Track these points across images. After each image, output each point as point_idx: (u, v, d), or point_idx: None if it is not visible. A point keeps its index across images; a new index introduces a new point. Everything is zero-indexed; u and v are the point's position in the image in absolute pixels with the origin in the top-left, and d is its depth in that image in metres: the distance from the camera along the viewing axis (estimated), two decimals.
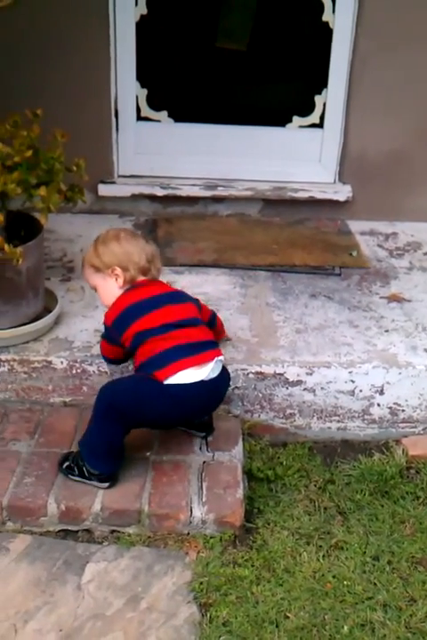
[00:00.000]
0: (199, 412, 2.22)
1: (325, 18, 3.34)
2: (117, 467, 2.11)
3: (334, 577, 1.95)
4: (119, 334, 2.17)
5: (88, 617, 1.82)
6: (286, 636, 1.77)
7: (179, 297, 2.27)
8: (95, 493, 2.08)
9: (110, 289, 2.23)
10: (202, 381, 2.05)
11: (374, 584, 1.93)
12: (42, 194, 2.36)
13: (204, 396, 2.10)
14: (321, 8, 3.33)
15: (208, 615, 1.83)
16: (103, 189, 3.44)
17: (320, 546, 2.06)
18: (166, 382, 2.01)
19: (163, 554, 2.01)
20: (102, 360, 2.38)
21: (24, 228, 2.46)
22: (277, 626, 1.80)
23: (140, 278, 2.24)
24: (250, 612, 1.84)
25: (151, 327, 2.11)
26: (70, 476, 2.11)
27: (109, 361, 2.35)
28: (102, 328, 2.32)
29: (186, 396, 2.03)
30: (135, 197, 3.47)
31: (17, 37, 3.07)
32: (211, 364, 2.08)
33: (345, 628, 1.80)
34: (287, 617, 1.83)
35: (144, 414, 2.05)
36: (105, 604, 1.86)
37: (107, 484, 2.08)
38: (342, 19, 3.32)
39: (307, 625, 1.80)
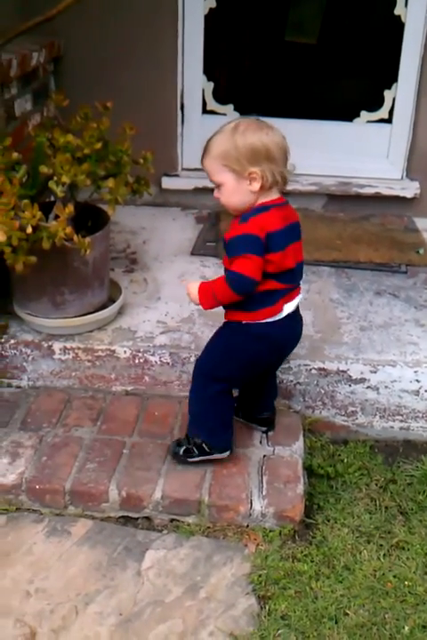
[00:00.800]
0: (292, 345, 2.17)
1: (397, 11, 3.30)
2: (232, 433, 2.17)
3: (394, 576, 1.92)
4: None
5: (148, 603, 1.84)
6: (346, 633, 1.75)
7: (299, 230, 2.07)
8: (156, 481, 2.10)
9: (242, 191, 1.91)
10: (291, 314, 2.04)
11: None
12: (110, 186, 2.40)
13: (295, 329, 2.13)
14: (393, 1, 3.29)
15: (267, 608, 1.82)
16: (167, 182, 3.47)
17: (381, 545, 2.03)
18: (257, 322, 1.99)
19: (222, 545, 2.01)
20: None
21: (91, 219, 2.49)
22: (336, 622, 1.78)
23: (276, 194, 1.96)
24: (309, 606, 1.82)
25: (287, 268, 1.96)
26: (190, 459, 2.14)
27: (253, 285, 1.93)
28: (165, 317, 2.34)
29: (278, 333, 2.02)
30: (198, 190, 3.48)
31: (88, 32, 3.12)
32: (298, 297, 2.07)
33: (406, 628, 1.77)
34: (347, 614, 1.81)
35: (242, 367, 2.07)
36: (164, 591, 1.87)
37: (228, 452, 2.14)
38: (414, 12, 3.28)
39: (367, 623, 1.78)
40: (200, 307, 2.01)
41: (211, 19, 3.28)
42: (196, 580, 1.90)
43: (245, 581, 1.90)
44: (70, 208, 2.12)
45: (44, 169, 2.23)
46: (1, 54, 2.33)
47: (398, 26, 3.29)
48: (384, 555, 2.00)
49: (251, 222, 1.89)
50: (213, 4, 3.26)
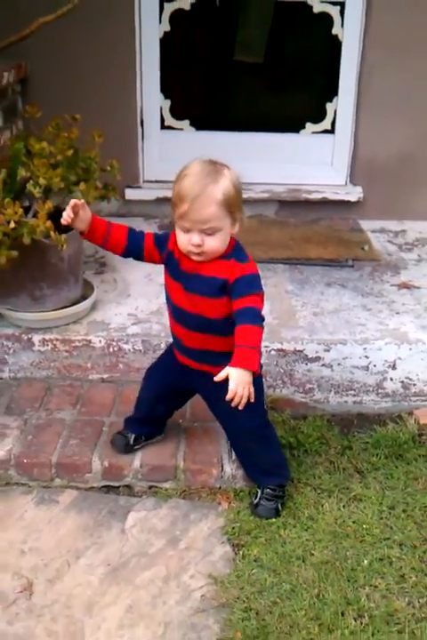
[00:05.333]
0: None
1: (334, 31, 3.60)
2: None
3: (353, 522, 2.15)
4: None
5: (132, 554, 2.03)
6: (313, 569, 1.97)
7: None
8: (135, 452, 2.29)
9: (228, 235, 1.93)
10: None
11: (391, 528, 2.13)
12: (81, 189, 2.61)
13: None
14: (331, 22, 3.59)
15: (241, 553, 2.04)
16: (130, 194, 3.68)
17: (340, 498, 2.26)
18: None
19: (197, 504, 2.22)
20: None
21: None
22: (303, 561, 2.00)
23: None
24: (278, 550, 2.04)
25: None
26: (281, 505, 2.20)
27: None
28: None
29: None
30: (160, 201, 3.70)
31: (56, 52, 3.33)
32: None
33: (365, 561, 2.00)
34: (312, 554, 2.03)
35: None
36: (147, 545, 2.07)
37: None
38: (350, 32, 3.58)
39: (330, 559, 2.00)
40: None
41: (165, 41, 3.53)
42: (175, 534, 2.09)
43: (220, 533, 2.11)
44: (49, 204, 2.34)
45: (22, 172, 2.44)
46: None
47: (336, 44, 3.59)
48: (343, 506, 2.22)
49: (251, 261, 1.96)
50: (168, 28, 3.52)
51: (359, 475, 2.38)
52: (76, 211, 1.96)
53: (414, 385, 2.70)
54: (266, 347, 2.63)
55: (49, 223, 2.30)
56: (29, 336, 2.64)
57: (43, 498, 2.23)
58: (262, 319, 1.94)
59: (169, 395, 2.25)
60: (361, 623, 1.80)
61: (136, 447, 2.29)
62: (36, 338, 2.64)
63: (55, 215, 2.59)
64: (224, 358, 1.88)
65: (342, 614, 1.82)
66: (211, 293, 1.94)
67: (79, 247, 2.69)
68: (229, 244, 1.94)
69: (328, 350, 2.65)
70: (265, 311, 2.81)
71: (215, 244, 1.90)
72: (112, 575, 1.96)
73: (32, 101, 2.92)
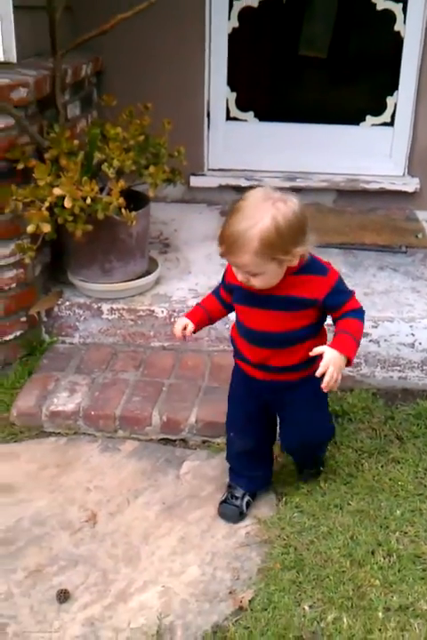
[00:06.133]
0: None
1: (396, 28, 3.74)
2: None
3: (390, 479, 2.31)
4: None
5: (186, 496, 2.25)
6: (349, 515, 2.15)
7: None
8: (191, 409, 2.52)
9: (283, 270, 1.85)
10: None
11: (425, 485, 2.28)
12: (151, 172, 2.85)
13: None
14: (394, 19, 3.73)
15: (283, 500, 2.23)
16: (194, 181, 3.91)
17: (379, 459, 2.42)
18: None
19: None
20: None
21: (133, 203, 2.94)
22: (340, 508, 2.18)
23: None
24: (318, 499, 2.22)
25: None
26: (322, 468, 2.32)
27: None
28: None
29: None
30: (222, 188, 3.93)
31: (133, 48, 3.60)
32: None
33: (398, 512, 2.16)
34: (349, 504, 2.20)
35: None
36: (199, 489, 2.28)
37: None
38: (412, 29, 3.71)
39: (366, 509, 2.18)
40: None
41: (233, 37, 3.75)
42: (225, 481, 2.30)
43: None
44: (122, 183, 2.58)
45: (98, 155, 2.69)
46: (62, 63, 2.79)
47: (398, 40, 3.73)
48: (382, 466, 2.39)
49: (330, 266, 1.94)
50: (236, 24, 3.74)
51: (399, 441, 2.53)
52: (185, 333, 2.12)
53: None
54: None
55: (121, 200, 2.55)
56: (99, 305, 2.90)
57: (107, 446, 2.48)
58: (364, 313, 1.97)
59: (254, 419, 2.14)
60: (389, 561, 1.97)
61: (248, 511, 2.19)
62: (105, 307, 2.89)
63: (126, 195, 2.86)
64: (303, 365, 1.96)
65: (373, 553, 2.00)
66: (294, 309, 1.90)
67: (146, 225, 2.94)
68: (299, 261, 1.85)
69: (376, 327, 2.80)
70: None
71: (262, 283, 1.84)
72: (167, 512, 2.19)
73: (106, 92, 3.18)
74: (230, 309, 2.12)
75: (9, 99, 2.48)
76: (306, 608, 1.85)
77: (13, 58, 2.22)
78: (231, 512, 2.17)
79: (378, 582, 1.91)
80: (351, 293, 1.98)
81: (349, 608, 1.84)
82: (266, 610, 1.85)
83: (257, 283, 1.83)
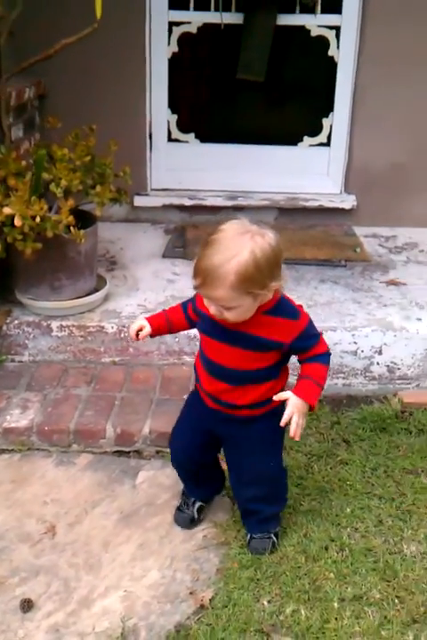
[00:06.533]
0: None
1: (330, 53, 3.90)
2: None
3: (339, 480, 2.41)
4: None
5: (142, 504, 2.30)
6: (301, 515, 2.23)
7: None
8: (144, 421, 2.56)
9: (257, 304, 1.80)
10: None
11: (372, 484, 2.39)
12: (98, 191, 2.91)
13: None
14: (328, 45, 3.90)
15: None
16: (138, 200, 3.98)
17: (328, 462, 2.51)
18: None
19: None
20: None
21: (81, 221, 2.98)
22: (293, 509, 2.26)
23: None
24: None
25: None
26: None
27: None
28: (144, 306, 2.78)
29: None
30: (166, 207, 4.01)
31: (76, 71, 3.64)
32: None
33: (348, 509, 2.26)
34: (301, 504, 2.29)
35: None
36: (155, 497, 2.33)
37: None
38: (345, 53, 3.88)
39: (317, 508, 2.26)
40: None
41: (173, 61, 3.85)
42: (180, 489, 2.34)
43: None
44: (71, 202, 2.62)
45: (45, 175, 2.73)
46: (6, 87, 2.82)
47: (332, 65, 3.90)
48: (331, 468, 2.48)
49: (300, 309, 1.93)
50: (176, 49, 3.84)
51: (346, 444, 2.63)
52: (140, 336, 2.10)
53: (399, 369, 2.96)
54: None
55: (71, 218, 2.60)
56: (48, 322, 2.92)
57: (61, 460, 2.50)
58: (329, 356, 1.98)
59: (203, 441, 2.11)
60: (342, 555, 2.06)
61: (201, 517, 2.22)
62: (55, 324, 2.92)
63: (74, 214, 2.90)
64: (255, 405, 1.93)
65: (326, 549, 2.09)
66: (259, 349, 1.87)
67: (94, 243, 2.99)
68: (272, 299, 1.83)
69: None
70: None
71: (235, 317, 1.79)
72: (125, 521, 2.23)
73: (50, 115, 3.22)
74: (194, 326, 2.08)
75: None
76: (265, 603, 1.92)
77: None
78: (183, 519, 2.21)
79: (332, 575, 1.99)
80: (319, 337, 1.95)
81: (306, 600, 1.92)
82: (226, 607, 1.91)
83: (230, 316, 1.78)
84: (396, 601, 1.91)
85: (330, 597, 1.91)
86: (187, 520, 2.21)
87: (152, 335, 2.13)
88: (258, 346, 1.86)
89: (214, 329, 1.89)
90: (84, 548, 2.12)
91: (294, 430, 1.86)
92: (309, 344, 1.92)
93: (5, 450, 2.55)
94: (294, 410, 1.86)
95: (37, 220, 2.55)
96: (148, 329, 2.10)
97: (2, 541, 2.14)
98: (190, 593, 1.97)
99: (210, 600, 1.94)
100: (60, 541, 2.15)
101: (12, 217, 2.50)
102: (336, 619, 1.85)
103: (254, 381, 1.92)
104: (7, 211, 2.47)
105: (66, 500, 2.31)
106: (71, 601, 1.95)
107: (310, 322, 1.94)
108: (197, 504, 2.22)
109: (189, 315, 2.07)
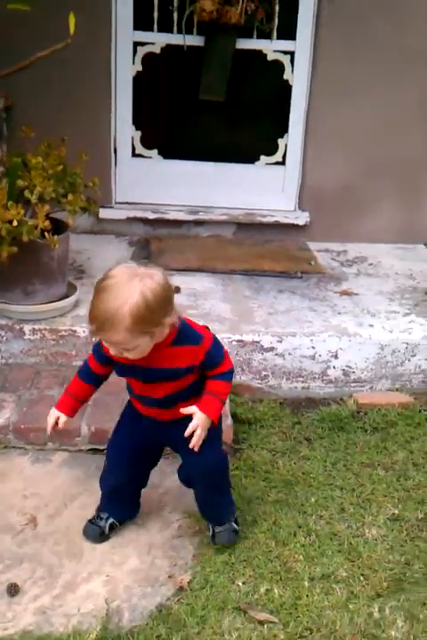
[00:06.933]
0: None
1: (285, 76, 4.12)
2: None
3: (302, 473, 2.58)
4: None
5: None
6: (270, 505, 2.39)
7: None
8: (116, 420, 2.67)
9: (155, 340, 1.91)
10: None
11: (333, 477, 2.57)
12: (70, 199, 3.02)
13: None
14: (282, 69, 4.11)
15: None
16: (103, 213, 4.09)
17: (291, 458, 2.68)
18: None
19: (173, 461, 2.60)
20: None
21: (52, 229, 3.08)
22: (262, 500, 2.42)
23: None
24: (241, 493, 2.45)
25: None
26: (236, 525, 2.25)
27: None
28: None
29: None
30: (130, 220, 4.14)
31: (34, 87, 3.74)
32: None
33: (312, 499, 2.43)
34: (269, 496, 2.45)
35: None
36: None
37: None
38: (299, 77, 4.10)
39: (284, 499, 2.43)
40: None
41: (138, 80, 4.01)
42: (154, 482, 2.46)
43: None
44: (47, 207, 2.73)
45: (20, 182, 2.83)
46: None
47: (287, 88, 4.12)
48: (294, 463, 2.65)
49: (204, 330, 2.05)
50: (140, 68, 4.00)
51: (307, 442, 2.81)
52: (58, 427, 2.15)
53: (353, 372, 3.16)
54: (228, 338, 3.05)
55: (47, 223, 2.71)
56: (21, 326, 3.01)
57: (38, 458, 2.60)
58: (232, 373, 2.10)
59: (139, 456, 2.22)
60: (310, 540, 2.23)
61: (111, 535, 2.25)
62: (27, 328, 3.01)
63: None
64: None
65: (295, 534, 2.25)
66: (173, 379, 2.01)
67: (66, 250, 3.10)
68: (174, 330, 1.94)
69: (281, 341, 3.09)
70: (226, 311, 3.30)
71: (135, 355, 1.89)
72: None
73: (23, 125, 3.30)
74: (102, 382, 2.18)
75: None
76: (240, 584, 2.06)
77: None
78: (93, 531, 2.23)
79: (302, 557, 2.15)
80: (223, 356, 2.07)
81: (278, 580, 2.07)
82: (204, 588, 2.04)
83: (130, 355, 1.88)
84: (361, 578, 2.08)
85: (300, 577, 2.07)
86: (96, 533, 2.23)
87: (71, 417, 2.17)
88: (173, 376, 2.00)
89: (127, 370, 2.02)
90: (65, 538, 2.22)
91: (195, 442, 2.01)
92: (214, 362, 2.04)
93: None
94: (198, 423, 2.00)
95: (14, 223, 2.64)
96: (63, 418, 2.14)
97: None
98: (169, 577, 2.10)
99: (188, 583, 2.06)
100: (42, 531, 2.24)
101: None
102: (307, 595, 2.01)
103: (183, 399, 2.05)
104: None
105: (45, 493, 2.41)
106: (56, 585, 2.05)
107: (215, 341, 2.05)
108: (110, 520, 2.25)
109: (94, 374, 2.14)
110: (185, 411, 2.01)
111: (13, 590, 2.01)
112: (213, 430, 2.09)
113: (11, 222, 2.66)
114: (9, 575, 2.07)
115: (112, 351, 1.90)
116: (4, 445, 2.63)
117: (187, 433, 2.00)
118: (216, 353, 2.05)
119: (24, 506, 2.33)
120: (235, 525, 2.23)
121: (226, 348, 2.83)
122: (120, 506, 2.27)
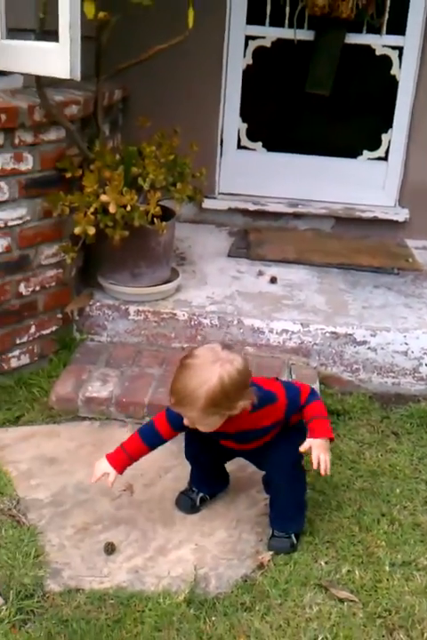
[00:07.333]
0: None
1: (393, 72, 4.14)
2: None
3: (389, 465, 2.64)
4: None
5: None
6: (355, 493, 2.47)
7: None
8: None
9: (221, 419, 2.04)
10: None
11: (420, 471, 2.62)
12: (178, 188, 3.18)
13: None
14: (391, 64, 4.13)
15: None
16: (206, 203, 4.22)
17: (378, 450, 2.74)
18: None
19: None
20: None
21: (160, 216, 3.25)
22: (347, 487, 2.50)
23: None
24: (327, 479, 2.51)
25: None
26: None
27: None
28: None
29: None
30: (231, 211, 4.28)
31: (157, 77, 3.94)
32: None
33: (397, 490, 2.49)
34: (355, 484, 2.52)
35: None
36: None
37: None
38: (406, 73, 4.11)
39: (369, 488, 2.50)
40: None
41: (247, 73, 4.13)
42: (243, 464, 2.59)
43: None
44: (158, 194, 2.89)
45: (134, 170, 3.01)
46: (103, 87, 3.11)
47: (393, 83, 4.14)
48: (381, 455, 2.71)
49: (273, 385, 2.16)
50: (250, 62, 4.13)
51: (395, 436, 2.86)
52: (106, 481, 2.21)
53: None
54: (321, 329, 3.14)
55: (158, 209, 2.87)
56: (126, 307, 3.20)
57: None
58: (314, 391, 2.21)
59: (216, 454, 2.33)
60: (393, 528, 2.30)
61: (201, 507, 2.39)
62: (132, 309, 3.20)
63: None
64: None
65: (378, 522, 2.32)
66: (265, 434, 2.17)
67: (172, 236, 3.26)
68: (251, 401, 2.02)
69: (374, 335, 3.14)
70: (321, 302, 3.38)
71: (206, 429, 2.06)
72: None
73: (139, 115, 3.48)
74: (159, 446, 2.27)
75: (63, 114, 2.80)
76: (322, 563, 2.16)
77: (77, 76, 2.52)
78: (185, 502, 2.38)
79: (384, 543, 2.23)
80: (299, 389, 2.17)
81: (360, 563, 2.16)
82: (287, 564, 2.15)
83: (201, 428, 2.06)
84: None
85: (382, 562, 2.15)
86: (188, 505, 2.37)
87: (121, 474, 2.24)
88: (263, 433, 2.17)
89: (224, 435, 2.15)
90: (158, 506, 2.38)
91: (324, 468, 2.11)
92: (297, 403, 2.15)
93: (86, 417, 2.83)
94: (319, 451, 2.10)
95: (128, 208, 2.82)
96: (113, 476, 2.20)
97: (86, 494, 2.42)
98: (255, 551, 2.22)
99: (271, 560, 2.18)
100: (138, 499, 2.42)
101: (105, 205, 2.78)
102: (387, 579, 2.09)
103: (265, 437, 2.20)
104: (104, 198, 2.76)
105: (141, 464, 2.53)
106: (149, 549, 2.21)
107: (286, 389, 2.15)
108: (201, 494, 2.39)
109: (160, 436, 2.24)
110: (303, 449, 2.12)
111: (110, 549, 2.18)
112: (294, 444, 2.16)
113: (125, 207, 2.83)
114: (107, 535, 2.25)
115: (185, 421, 2.06)
116: (106, 417, 2.82)
117: (314, 465, 2.11)
118: (294, 398, 2.15)
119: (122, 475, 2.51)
120: (294, 540, 2.23)
121: (318, 339, 2.96)
122: (206, 480, 2.41)
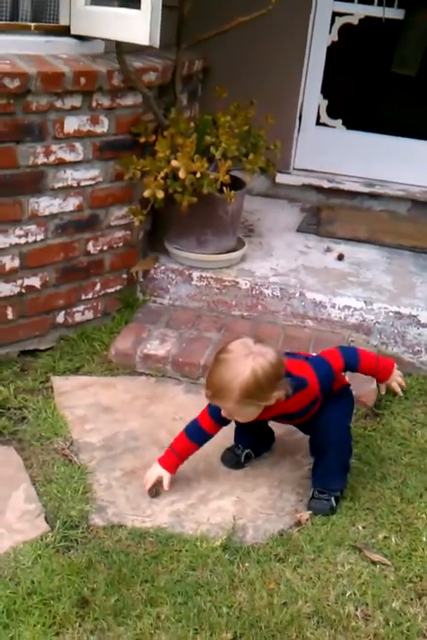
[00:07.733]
0: None
1: None
2: None
3: None
4: None
5: None
6: (402, 467, 2.47)
7: None
8: None
9: (257, 410, 2.15)
10: None
11: None
12: (250, 159, 3.21)
13: None
14: None
15: None
16: (280, 178, 4.24)
17: None
18: None
19: None
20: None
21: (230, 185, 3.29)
22: (394, 461, 2.50)
23: None
24: (375, 452, 2.53)
25: None
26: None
27: None
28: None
29: None
30: (305, 187, 4.28)
31: (238, 49, 3.98)
32: None
33: None
34: (402, 459, 2.52)
35: None
36: None
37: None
38: None
39: (417, 464, 2.49)
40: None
41: (332, 49, 4.11)
42: (290, 429, 2.61)
43: None
44: (229, 162, 2.94)
45: (207, 138, 3.06)
46: (183, 56, 3.18)
47: None
48: None
49: (302, 369, 2.18)
50: (336, 38, 4.10)
51: None
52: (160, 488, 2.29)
53: None
54: (385, 308, 3.11)
55: (227, 177, 2.91)
56: (190, 272, 3.27)
57: (190, 389, 2.84)
58: (344, 347, 2.44)
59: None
60: None
61: (246, 464, 2.46)
62: (195, 274, 3.26)
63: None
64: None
65: (421, 496, 2.32)
66: (306, 413, 2.24)
67: (240, 206, 3.30)
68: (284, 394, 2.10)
69: None
70: (387, 282, 3.34)
71: (242, 419, 2.20)
72: None
73: (216, 85, 3.53)
74: (206, 442, 2.32)
75: (140, 80, 2.89)
76: (360, 527, 2.18)
77: (156, 43, 2.59)
78: (230, 458, 2.45)
79: (424, 516, 2.23)
80: (328, 362, 2.22)
81: (397, 531, 2.17)
82: (325, 525, 2.18)
83: (238, 419, 2.21)
84: None
85: (420, 532, 2.16)
86: (233, 460, 2.44)
87: (174, 474, 2.30)
88: (301, 414, 2.24)
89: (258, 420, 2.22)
90: (205, 460, 2.44)
91: (397, 388, 2.35)
92: (330, 375, 2.22)
93: (143, 373, 2.92)
94: (392, 384, 2.34)
95: (198, 175, 2.87)
96: (167, 479, 2.26)
97: (136, 442, 2.52)
98: (294, 510, 2.25)
99: (308, 519, 2.21)
100: None
101: (176, 170, 2.84)
102: (423, 548, 2.09)
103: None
104: (175, 163, 2.83)
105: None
106: (191, 496, 2.29)
107: (316, 367, 2.19)
108: (246, 451, 2.45)
109: (206, 433, 2.31)
110: (383, 392, 2.42)
111: (155, 492, 2.27)
112: (341, 409, 2.30)
113: (195, 174, 2.89)
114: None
115: (223, 412, 2.17)
116: (162, 374, 2.91)
117: (399, 393, 2.42)
118: (325, 375, 2.20)
119: (173, 426, 2.57)
120: (334, 503, 2.25)
121: (381, 318, 2.94)
122: (250, 437, 2.45)
